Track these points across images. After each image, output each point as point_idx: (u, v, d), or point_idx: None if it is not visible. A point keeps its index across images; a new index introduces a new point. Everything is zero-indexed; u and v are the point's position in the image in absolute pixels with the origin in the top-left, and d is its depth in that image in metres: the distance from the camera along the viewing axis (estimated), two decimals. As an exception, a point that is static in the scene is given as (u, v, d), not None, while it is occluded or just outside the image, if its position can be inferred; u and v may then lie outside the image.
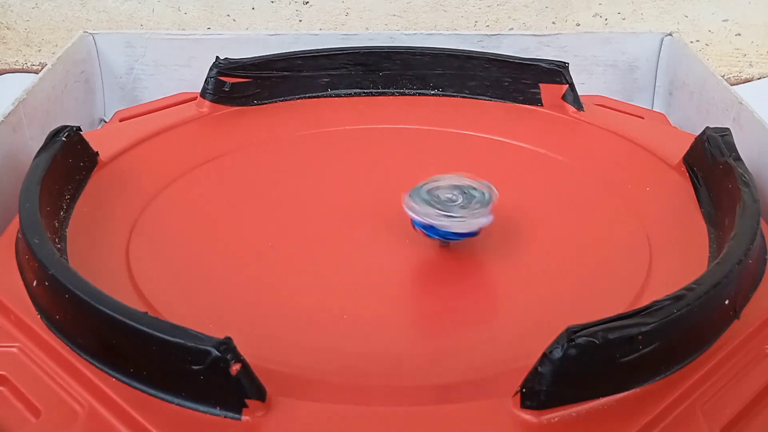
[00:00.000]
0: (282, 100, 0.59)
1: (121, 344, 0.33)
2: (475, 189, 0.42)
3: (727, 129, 0.47)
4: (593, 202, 0.48)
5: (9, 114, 0.51)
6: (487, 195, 0.41)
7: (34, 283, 0.37)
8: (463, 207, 0.41)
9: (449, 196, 0.41)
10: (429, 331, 0.38)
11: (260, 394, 0.32)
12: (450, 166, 0.52)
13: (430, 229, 0.41)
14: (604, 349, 0.31)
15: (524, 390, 0.32)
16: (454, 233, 0.41)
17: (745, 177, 0.43)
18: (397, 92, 0.60)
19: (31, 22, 0.76)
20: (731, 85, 0.58)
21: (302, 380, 0.34)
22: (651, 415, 0.32)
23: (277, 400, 0.32)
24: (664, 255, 0.42)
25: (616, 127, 0.55)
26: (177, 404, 0.32)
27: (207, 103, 0.57)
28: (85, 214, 0.45)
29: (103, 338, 0.34)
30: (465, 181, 0.42)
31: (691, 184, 0.48)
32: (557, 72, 0.58)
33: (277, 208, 0.48)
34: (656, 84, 0.69)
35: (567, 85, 0.58)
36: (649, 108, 0.68)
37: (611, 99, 0.64)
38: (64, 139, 0.46)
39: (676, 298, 0.33)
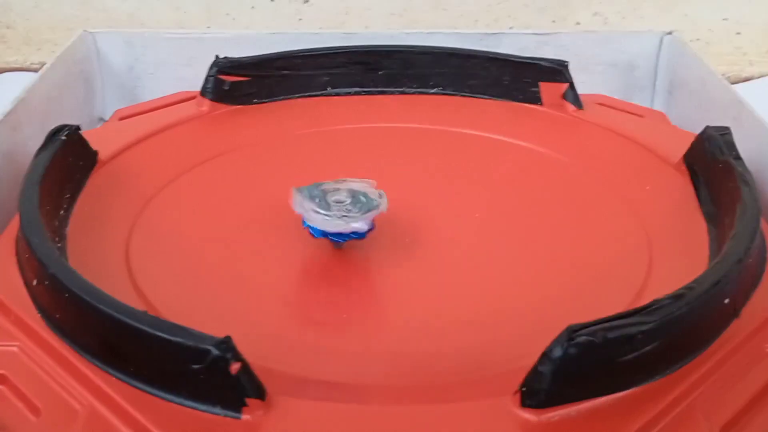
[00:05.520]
0: (282, 99, 0.59)
1: (121, 343, 0.33)
2: (366, 196, 0.42)
3: (727, 128, 0.47)
4: (593, 201, 0.48)
5: (8, 113, 0.51)
6: (374, 203, 0.41)
7: (34, 282, 0.37)
8: (346, 210, 0.41)
9: (340, 198, 0.42)
10: (429, 330, 0.38)
11: (260, 393, 0.32)
12: (450, 165, 0.52)
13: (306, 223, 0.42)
14: (604, 348, 0.31)
15: (524, 389, 0.32)
16: (318, 230, 0.41)
17: (745, 176, 0.43)
18: (397, 91, 0.60)
19: (31, 21, 0.76)
20: (731, 83, 0.58)
21: (302, 379, 0.34)
22: (651, 414, 0.32)
23: (277, 399, 0.32)
24: (664, 254, 0.42)
25: (616, 125, 0.55)
26: (177, 403, 0.32)
27: (207, 101, 0.57)
28: (84, 213, 0.45)
29: (103, 337, 0.34)
30: (362, 188, 0.42)
31: (691, 183, 0.48)
32: (557, 71, 0.58)
33: (277, 207, 0.47)
34: (656, 83, 0.69)
35: (567, 84, 0.58)
36: (649, 107, 0.68)
37: (611, 98, 0.63)
38: (63, 138, 0.46)
39: (676, 297, 0.33)
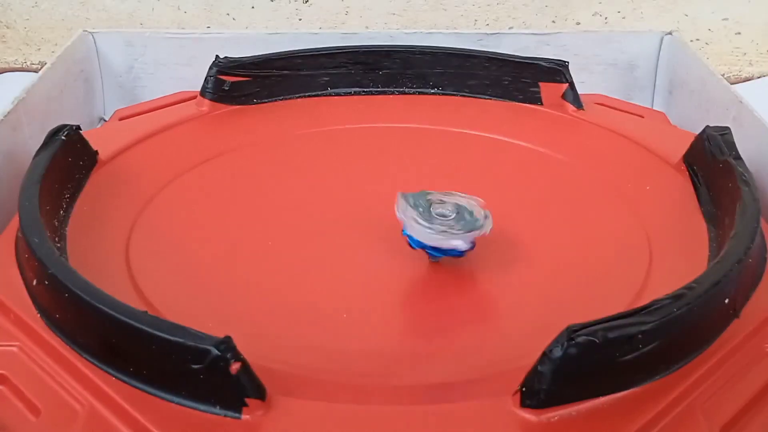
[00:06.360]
0: (282, 99, 0.59)
1: (120, 343, 0.33)
2: (471, 214, 0.41)
3: (727, 128, 0.47)
4: (593, 202, 0.48)
5: (8, 113, 0.51)
6: (478, 223, 0.40)
7: (34, 282, 0.37)
8: (448, 225, 0.40)
9: (444, 211, 0.41)
10: (429, 330, 0.38)
11: (260, 393, 0.32)
12: (450, 165, 0.52)
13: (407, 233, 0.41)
14: (604, 348, 0.31)
15: (524, 389, 0.32)
16: (417, 241, 0.40)
17: (745, 176, 0.43)
18: (397, 91, 0.60)
19: (31, 21, 0.76)
20: (731, 83, 0.58)
21: (302, 379, 0.34)
22: (651, 414, 0.32)
23: (277, 399, 0.32)
24: (664, 254, 0.42)
25: (616, 126, 0.55)
26: (177, 403, 0.32)
27: (207, 102, 0.57)
28: (84, 212, 0.45)
29: (102, 337, 0.34)
30: (467, 203, 0.41)
31: (691, 183, 0.48)
32: (557, 71, 0.58)
33: (277, 206, 0.48)
34: (656, 83, 0.69)
35: (567, 84, 0.58)
36: (649, 107, 0.68)
37: (611, 98, 0.64)
38: (63, 137, 0.46)
39: (676, 297, 0.33)
